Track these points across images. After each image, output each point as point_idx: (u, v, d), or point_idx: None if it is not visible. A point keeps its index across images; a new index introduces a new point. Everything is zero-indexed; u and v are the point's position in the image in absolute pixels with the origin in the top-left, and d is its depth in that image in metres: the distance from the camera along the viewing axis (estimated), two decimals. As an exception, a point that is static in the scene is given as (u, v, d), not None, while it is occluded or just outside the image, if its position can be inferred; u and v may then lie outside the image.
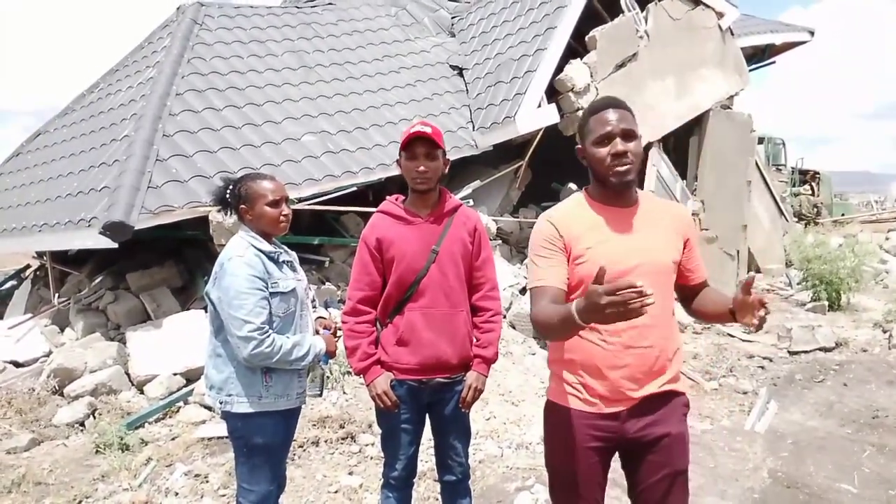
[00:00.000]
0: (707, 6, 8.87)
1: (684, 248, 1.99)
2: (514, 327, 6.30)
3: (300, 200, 5.79)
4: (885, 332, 6.45)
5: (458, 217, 2.53)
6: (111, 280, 6.24)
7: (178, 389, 4.81)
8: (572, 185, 8.17)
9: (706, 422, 4.50)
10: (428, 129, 2.40)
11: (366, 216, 6.89)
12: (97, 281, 6.18)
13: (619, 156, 1.82)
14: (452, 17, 9.66)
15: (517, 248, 7.80)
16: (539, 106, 7.10)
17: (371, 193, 7.04)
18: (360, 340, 2.44)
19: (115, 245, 4.83)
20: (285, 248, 2.55)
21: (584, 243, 1.84)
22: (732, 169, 9.07)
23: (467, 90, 8.18)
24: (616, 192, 1.89)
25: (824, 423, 4.44)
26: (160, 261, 6.11)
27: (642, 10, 8.31)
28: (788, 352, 5.92)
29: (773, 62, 13.13)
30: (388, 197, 2.57)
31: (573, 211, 1.92)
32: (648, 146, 8.09)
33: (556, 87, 7.43)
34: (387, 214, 2.50)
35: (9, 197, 6.82)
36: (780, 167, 19.32)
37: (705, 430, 4.36)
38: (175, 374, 4.90)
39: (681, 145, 8.99)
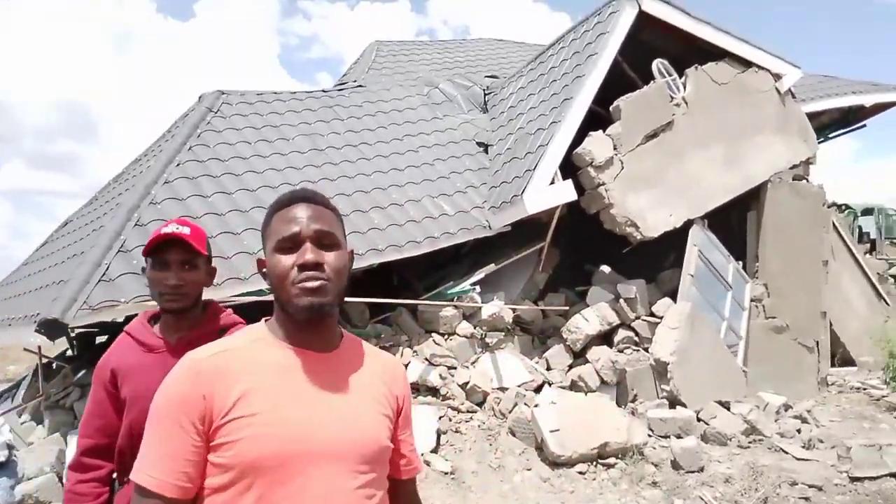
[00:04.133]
0: (761, 68, 8.00)
1: (397, 421, 1.40)
2: (513, 434, 5.49)
3: (272, 290, 5.38)
4: None
5: None
6: (89, 375, 6.03)
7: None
8: (605, 268, 7.37)
9: (701, 581, 3.49)
10: (186, 230, 1.87)
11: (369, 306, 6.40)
12: (80, 375, 5.98)
13: (309, 267, 1.24)
14: (486, 93, 9.30)
15: (540, 338, 7.01)
16: (552, 182, 6.44)
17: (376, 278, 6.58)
18: None
19: (51, 343, 4.56)
20: None
21: (250, 405, 1.19)
22: (803, 247, 7.90)
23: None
24: (307, 327, 1.28)
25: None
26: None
27: (681, 76, 7.59)
28: (850, 478, 4.72)
29: (864, 125, 11.78)
30: (140, 313, 2.03)
31: (241, 353, 1.27)
32: (690, 223, 7.18)
33: (575, 162, 6.77)
34: (130, 336, 1.94)
35: (14, 289, 6.89)
36: (895, 240, 17.36)
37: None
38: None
39: (733, 222, 7.96)
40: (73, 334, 7.18)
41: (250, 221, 5.94)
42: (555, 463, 5.02)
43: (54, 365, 7.02)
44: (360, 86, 9.14)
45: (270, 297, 5.09)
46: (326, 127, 7.86)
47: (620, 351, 6.63)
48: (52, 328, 4.46)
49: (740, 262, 7.66)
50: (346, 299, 6.22)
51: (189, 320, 1.93)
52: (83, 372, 6.50)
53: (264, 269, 1.32)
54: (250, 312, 5.53)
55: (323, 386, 1.26)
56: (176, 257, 1.86)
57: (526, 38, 14.01)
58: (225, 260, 5.44)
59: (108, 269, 4.99)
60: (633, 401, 6.29)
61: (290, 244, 1.26)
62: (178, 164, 6.39)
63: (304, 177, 6.78)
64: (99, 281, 4.85)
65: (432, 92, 9.22)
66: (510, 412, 5.67)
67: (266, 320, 1.35)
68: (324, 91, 8.81)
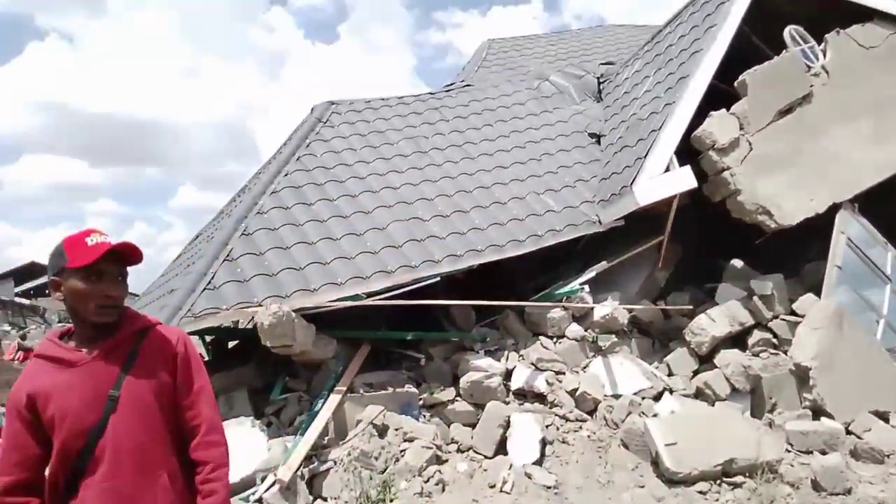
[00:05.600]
0: (921, 24, 6.89)
1: None
2: (626, 447, 5.02)
3: (369, 295, 5.30)
4: None
5: (150, 343, 1.88)
6: (222, 378, 6.26)
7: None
8: (736, 262, 6.65)
9: None
10: (113, 240, 1.80)
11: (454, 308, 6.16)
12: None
13: None
14: (601, 81, 8.79)
15: (661, 341, 6.43)
16: (667, 170, 5.88)
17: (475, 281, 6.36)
18: None
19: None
20: None
21: None
22: (985, 229, 6.70)
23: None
24: None
25: None
26: (246, 359, 6.00)
27: (819, 42, 6.70)
28: None
29: None
30: (50, 331, 1.99)
31: None
32: (836, 207, 6.29)
33: (694, 145, 6.15)
34: (42, 358, 1.86)
35: (146, 299, 7.37)
36: None
37: None
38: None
39: (894, 205, 6.89)
40: (207, 340, 7.56)
41: (350, 227, 5.94)
42: (671, 480, 4.51)
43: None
44: (467, 85, 8.99)
45: (369, 302, 4.92)
46: (431, 129, 7.76)
47: (755, 355, 5.91)
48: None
49: (902, 251, 6.61)
50: (450, 302, 6.04)
51: (109, 330, 1.88)
52: (215, 375, 6.81)
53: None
54: (342, 318, 5.50)
55: None
56: (115, 268, 1.83)
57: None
58: (323, 265, 5.45)
59: (213, 277, 5.15)
60: (770, 411, 5.58)
61: None
62: (285, 175, 6.54)
63: (405, 180, 6.71)
64: (204, 289, 5.01)
65: (542, 85, 8.86)
66: (623, 422, 5.20)
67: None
68: (431, 94, 8.74)
